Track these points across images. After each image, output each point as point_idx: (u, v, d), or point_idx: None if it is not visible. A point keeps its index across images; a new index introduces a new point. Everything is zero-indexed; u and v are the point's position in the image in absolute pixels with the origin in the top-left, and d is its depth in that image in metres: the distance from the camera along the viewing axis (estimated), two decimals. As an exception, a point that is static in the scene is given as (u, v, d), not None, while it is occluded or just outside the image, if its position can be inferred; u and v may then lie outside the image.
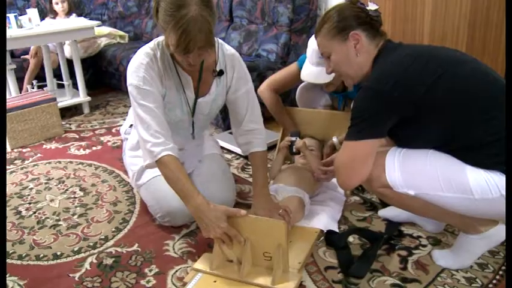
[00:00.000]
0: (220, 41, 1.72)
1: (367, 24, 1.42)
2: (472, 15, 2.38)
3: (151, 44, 1.60)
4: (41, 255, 1.68)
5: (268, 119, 2.88)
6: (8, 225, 1.90)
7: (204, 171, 1.87)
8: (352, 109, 1.38)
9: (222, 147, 2.44)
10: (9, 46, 2.82)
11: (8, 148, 2.73)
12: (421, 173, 1.36)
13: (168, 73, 1.61)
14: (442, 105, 1.28)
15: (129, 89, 1.56)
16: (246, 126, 1.77)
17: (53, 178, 2.32)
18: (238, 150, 2.43)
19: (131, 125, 1.92)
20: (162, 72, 1.59)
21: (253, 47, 3.06)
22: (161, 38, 1.61)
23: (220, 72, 1.68)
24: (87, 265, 1.62)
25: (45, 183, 2.27)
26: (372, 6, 1.46)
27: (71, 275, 1.57)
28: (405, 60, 1.32)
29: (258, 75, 2.77)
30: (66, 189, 2.18)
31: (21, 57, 3.56)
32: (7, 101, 2.78)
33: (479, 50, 2.39)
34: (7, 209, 2.04)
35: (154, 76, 1.56)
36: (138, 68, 1.54)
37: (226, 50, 1.70)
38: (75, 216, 1.94)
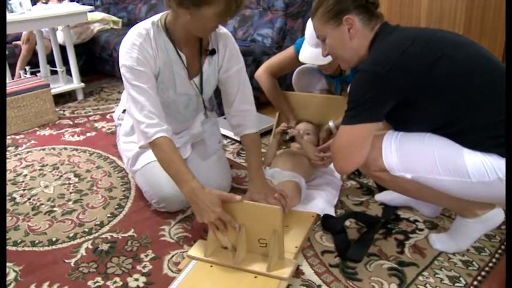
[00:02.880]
0: None
1: (362, 7, 1.39)
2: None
3: (145, 23, 1.56)
4: (36, 241, 1.67)
5: (264, 104, 2.87)
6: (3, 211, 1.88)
7: (197, 156, 1.86)
8: (348, 93, 1.37)
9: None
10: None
11: (1, 135, 2.70)
12: (418, 156, 1.36)
13: (163, 53, 1.57)
14: (441, 87, 1.27)
15: (122, 70, 1.53)
16: (237, 106, 1.75)
17: (47, 164, 2.29)
18: (233, 135, 2.41)
19: (124, 110, 1.90)
20: (157, 51, 1.55)
21: (248, 31, 3.02)
22: (157, 17, 1.58)
23: (213, 51, 1.65)
24: (82, 251, 1.61)
25: (40, 169, 2.25)
26: None
27: (66, 260, 1.56)
28: (403, 42, 1.30)
29: (254, 60, 2.75)
30: (61, 176, 2.16)
31: (13, 43, 3.51)
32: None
33: (476, 33, 2.37)
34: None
35: (147, 57, 1.53)
36: (131, 49, 1.51)
37: (219, 29, 1.66)
38: (70, 202, 1.92)
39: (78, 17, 3.14)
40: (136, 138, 1.58)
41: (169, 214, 1.78)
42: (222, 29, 1.68)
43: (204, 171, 1.75)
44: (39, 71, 3.36)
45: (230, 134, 2.44)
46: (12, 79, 3.15)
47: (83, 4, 3.89)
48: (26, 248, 1.64)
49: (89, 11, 3.25)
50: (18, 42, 3.50)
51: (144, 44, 1.52)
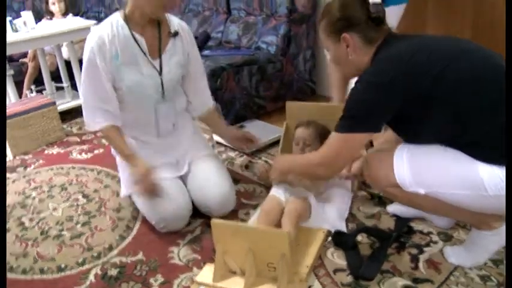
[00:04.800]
0: None
1: (364, 24, 1.34)
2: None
3: (104, 24, 1.71)
4: (45, 268, 1.66)
5: (270, 113, 2.85)
6: (12, 237, 1.88)
7: (197, 176, 1.83)
8: (346, 101, 1.34)
9: (223, 145, 2.40)
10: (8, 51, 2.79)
11: (10, 156, 2.71)
12: (431, 171, 1.32)
13: (120, 37, 1.69)
14: (449, 97, 1.22)
15: (84, 64, 1.71)
16: (199, 85, 1.95)
17: (55, 185, 2.29)
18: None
19: None
20: (118, 47, 1.68)
21: (252, 39, 2.98)
22: (114, 17, 1.72)
23: (175, 34, 1.77)
24: (91, 277, 1.59)
25: (48, 191, 2.24)
26: None
27: (75, 288, 1.55)
28: (406, 52, 1.27)
29: (259, 68, 2.71)
30: (69, 197, 2.16)
31: (20, 60, 3.53)
32: (6, 107, 2.76)
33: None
34: (11, 219, 2.02)
35: (107, 48, 1.67)
36: (92, 41, 1.68)
37: (171, 16, 1.82)
38: (79, 225, 1.91)
39: (82, 32, 3.13)
40: (85, 120, 1.79)
41: (177, 235, 1.76)
42: (174, 17, 1.84)
43: (204, 192, 1.78)
44: (45, 89, 3.37)
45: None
46: (20, 98, 3.16)
47: (87, 18, 3.90)
48: (35, 276, 1.63)
49: (93, 25, 3.24)
50: (24, 59, 3.51)
51: (102, 37, 1.67)
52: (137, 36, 1.71)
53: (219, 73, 2.54)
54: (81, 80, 1.76)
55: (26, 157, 2.68)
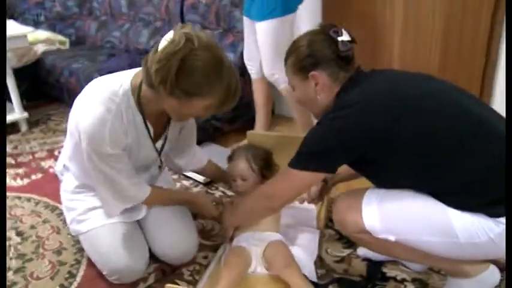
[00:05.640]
0: None
1: (332, 61, 1.31)
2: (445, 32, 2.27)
3: (114, 92, 1.36)
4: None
5: (226, 134, 2.69)
6: None
7: (157, 222, 1.61)
8: (305, 136, 1.30)
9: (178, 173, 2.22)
10: None
11: None
12: (402, 217, 1.25)
13: (133, 128, 1.42)
14: (407, 146, 1.18)
15: (90, 151, 1.35)
16: (189, 150, 1.80)
17: (-16, 220, 2.00)
18: (198, 177, 2.21)
19: (65, 165, 1.66)
20: (127, 127, 1.40)
21: (208, 55, 2.80)
22: (127, 84, 1.38)
23: None
24: None
25: (-25, 226, 1.96)
26: (344, 36, 1.32)
27: None
28: (367, 96, 1.24)
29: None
30: None
31: None
32: None
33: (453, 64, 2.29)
34: None
35: (119, 136, 1.37)
36: (101, 131, 1.32)
37: None
38: (10, 273, 1.65)
39: (17, 40, 2.82)
40: (107, 210, 1.53)
41: (129, 285, 1.55)
42: None
43: (163, 235, 1.59)
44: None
45: (196, 176, 2.23)
46: None
47: (24, 20, 3.56)
48: None
49: (30, 32, 2.94)
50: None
51: (114, 123, 1.35)
52: (148, 124, 1.47)
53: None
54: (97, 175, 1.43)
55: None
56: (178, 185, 2.21)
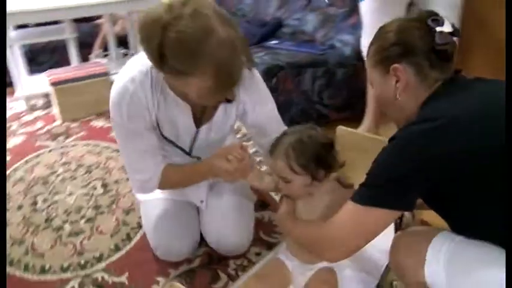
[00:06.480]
0: None
1: (423, 54, 1.01)
2: None
3: (143, 64, 1.21)
4: (30, 265, 1.55)
5: (333, 123, 2.47)
6: (19, 218, 1.81)
7: (214, 214, 1.52)
8: (373, 162, 1.01)
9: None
10: (74, 15, 2.76)
11: (59, 121, 2.68)
12: (473, 279, 0.93)
13: (159, 104, 1.27)
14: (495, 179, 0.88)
15: (112, 124, 1.31)
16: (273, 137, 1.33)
17: (83, 165, 2.19)
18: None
19: None
20: (153, 101, 1.26)
21: (328, 34, 2.58)
22: (144, 71, 1.25)
23: (229, 100, 1.30)
24: (66, 291, 1.44)
25: (74, 170, 2.15)
26: (446, 27, 1.02)
27: (45, 300, 1.41)
28: (464, 114, 0.93)
29: (326, 72, 2.34)
30: (89, 183, 2.03)
31: (95, 21, 3.49)
32: (64, 71, 2.72)
33: None
34: (28, 195, 1.96)
35: (140, 108, 1.25)
36: (121, 100, 1.23)
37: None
38: (83, 221, 1.77)
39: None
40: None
41: (171, 262, 1.53)
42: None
43: (217, 228, 1.50)
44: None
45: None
46: (88, 59, 3.13)
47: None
48: (17, 272, 1.53)
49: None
50: (101, 20, 3.46)
51: (136, 93, 1.22)
52: (183, 102, 1.28)
53: (276, 72, 2.22)
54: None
55: (72, 125, 2.63)
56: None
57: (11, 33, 2.95)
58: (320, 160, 1.21)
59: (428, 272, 0.99)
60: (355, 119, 2.33)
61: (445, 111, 0.95)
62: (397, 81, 1.04)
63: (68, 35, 2.91)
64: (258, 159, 2.09)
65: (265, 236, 1.66)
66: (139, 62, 1.23)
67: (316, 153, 1.20)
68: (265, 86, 1.42)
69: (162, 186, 1.40)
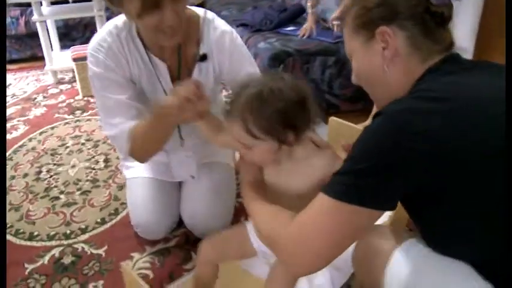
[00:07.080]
0: (210, 14, 1.33)
1: (416, 16, 0.84)
2: None
3: (120, 20, 1.27)
4: (20, 231, 1.64)
5: (344, 114, 2.40)
6: (22, 185, 1.91)
7: (195, 183, 1.54)
8: (354, 143, 0.80)
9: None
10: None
11: (80, 95, 2.78)
12: None
13: (137, 61, 1.29)
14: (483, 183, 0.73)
15: (89, 74, 1.30)
16: None
17: (91, 140, 2.27)
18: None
19: None
20: (129, 57, 1.28)
21: (348, 22, 2.50)
22: (122, 27, 1.29)
23: (203, 57, 1.30)
24: (47, 258, 1.52)
25: (82, 144, 2.23)
26: None
27: (26, 265, 1.48)
28: (467, 102, 0.75)
29: (337, 61, 2.28)
30: (93, 157, 2.11)
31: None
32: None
33: None
34: (35, 165, 2.06)
35: (117, 61, 1.26)
36: (98, 50, 1.25)
37: (215, 28, 1.31)
38: (78, 193, 1.85)
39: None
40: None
41: (149, 240, 1.57)
42: (219, 28, 1.32)
43: (194, 208, 1.50)
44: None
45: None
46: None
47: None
48: (9, 237, 1.62)
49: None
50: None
51: (113, 46, 1.26)
52: (156, 59, 1.30)
53: (283, 58, 2.19)
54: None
55: (92, 100, 2.72)
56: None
57: (45, 9, 3.08)
58: (287, 121, 0.92)
59: (388, 277, 0.89)
60: (368, 111, 2.26)
61: (456, 91, 0.77)
62: (384, 49, 0.85)
63: (95, 12, 2.99)
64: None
65: (245, 221, 1.65)
66: (113, 22, 1.29)
67: (282, 112, 0.91)
68: (246, 50, 1.38)
69: (132, 144, 1.27)
